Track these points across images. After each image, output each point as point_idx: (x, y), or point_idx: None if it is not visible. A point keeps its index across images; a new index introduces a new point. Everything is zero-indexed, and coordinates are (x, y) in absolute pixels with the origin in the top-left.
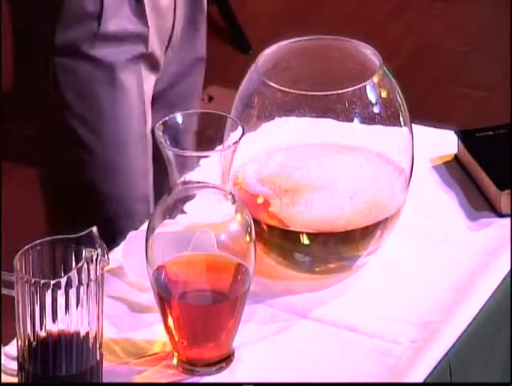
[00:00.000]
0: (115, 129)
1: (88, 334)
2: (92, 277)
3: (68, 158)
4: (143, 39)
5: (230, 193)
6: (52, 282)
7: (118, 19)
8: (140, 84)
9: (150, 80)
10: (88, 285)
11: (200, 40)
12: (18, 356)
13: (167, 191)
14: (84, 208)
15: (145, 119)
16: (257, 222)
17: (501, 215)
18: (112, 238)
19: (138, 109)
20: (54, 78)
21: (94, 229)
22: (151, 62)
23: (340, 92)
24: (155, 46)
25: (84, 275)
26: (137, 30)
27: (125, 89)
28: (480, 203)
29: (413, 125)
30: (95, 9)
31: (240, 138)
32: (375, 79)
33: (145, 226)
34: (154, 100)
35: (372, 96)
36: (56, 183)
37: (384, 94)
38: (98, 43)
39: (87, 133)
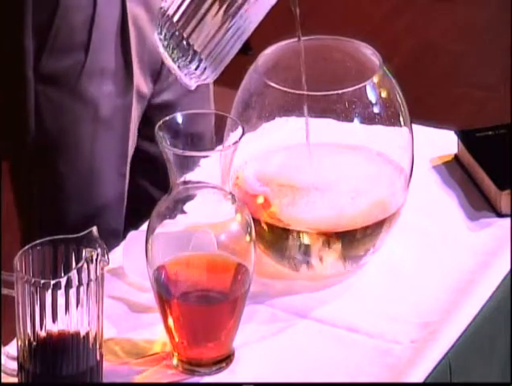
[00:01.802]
0: (92, 165)
1: (88, 334)
2: (92, 277)
3: (42, 189)
4: (128, 74)
5: (230, 193)
6: (52, 282)
7: (105, 54)
8: (126, 122)
9: (135, 113)
10: (88, 285)
11: None
12: (18, 356)
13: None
14: (53, 227)
15: (126, 157)
16: (257, 222)
17: (501, 215)
18: None
19: (120, 148)
20: (36, 105)
21: (94, 229)
22: (137, 96)
23: (340, 92)
24: (140, 80)
25: (84, 275)
26: (122, 66)
27: (109, 128)
28: (480, 203)
29: (413, 125)
30: (83, 41)
31: (240, 138)
32: (375, 79)
33: (145, 226)
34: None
35: (372, 96)
36: (29, 195)
37: (384, 94)
38: (84, 77)
39: (62, 164)
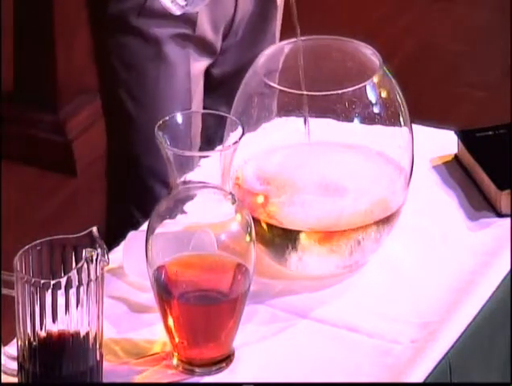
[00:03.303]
0: (158, 103)
1: (88, 334)
2: (93, 277)
3: (114, 129)
4: (191, 21)
5: (230, 193)
6: (52, 282)
7: None
8: (187, 62)
9: (200, 62)
10: (88, 285)
11: (271, 35)
12: (18, 356)
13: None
14: (127, 179)
15: (190, 97)
16: (256, 221)
17: (501, 215)
18: (145, 212)
19: (183, 87)
20: (105, 49)
21: (94, 229)
22: (202, 45)
23: (340, 92)
24: (206, 30)
25: (84, 275)
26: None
27: (171, 65)
28: (480, 203)
29: (413, 125)
30: None
31: (240, 138)
32: (375, 79)
33: (145, 226)
34: (219, 84)
35: (372, 96)
36: (110, 157)
37: (384, 94)
38: (145, 17)
39: (132, 104)
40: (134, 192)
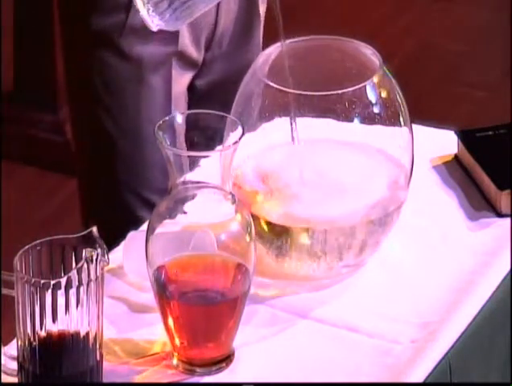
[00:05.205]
0: (137, 125)
1: (88, 334)
2: (93, 277)
3: (91, 147)
4: (173, 36)
5: (230, 193)
6: (52, 282)
7: None
8: (168, 85)
9: (184, 77)
10: (88, 285)
11: (255, 46)
12: (18, 356)
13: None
14: (106, 195)
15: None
16: (255, 220)
17: (501, 215)
18: (121, 231)
19: (164, 109)
20: (86, 67)
21: (94, 229)
22: (184, 60)
23: (340, 92)
24: (188, 44)
25: (84, 275)
26: None
27: (152, 88)
28: (480, 203)
29: (413, 125)
30: (124, 2)
31: (240, 138)
32: (375, 79)
33: (145, 226)
34: (204, 95)
35: (372, 96)
36: (86, 171)
37: (384, 94)
38: (127, 35)
39: (111, 124)
40: (109, 207)
